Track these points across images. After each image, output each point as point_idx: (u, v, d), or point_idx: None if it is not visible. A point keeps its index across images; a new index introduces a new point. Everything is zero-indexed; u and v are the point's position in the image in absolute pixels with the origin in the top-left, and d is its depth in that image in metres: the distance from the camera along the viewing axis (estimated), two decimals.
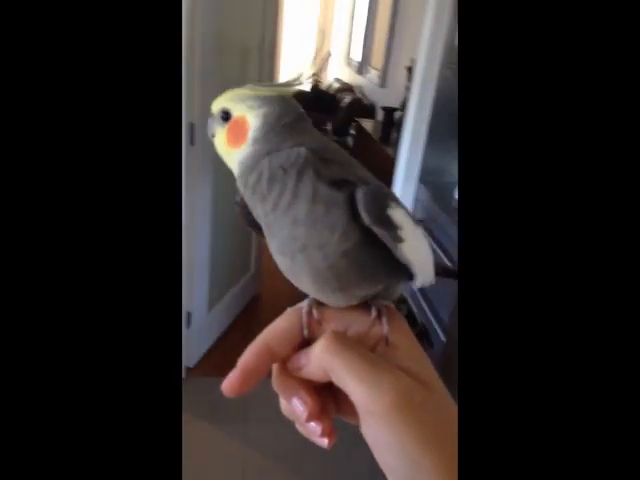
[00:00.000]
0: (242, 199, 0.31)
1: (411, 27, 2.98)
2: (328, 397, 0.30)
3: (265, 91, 0.30)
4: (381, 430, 0.26)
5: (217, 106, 0.31)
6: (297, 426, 0.30)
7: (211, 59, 1.48)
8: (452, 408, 0.27)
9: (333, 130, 3.54)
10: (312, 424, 0.29)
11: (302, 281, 0.31)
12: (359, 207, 0.27)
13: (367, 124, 3.01)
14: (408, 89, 2.62)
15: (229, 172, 0.32)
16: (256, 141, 0.29)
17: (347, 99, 3.70)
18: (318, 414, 0.28)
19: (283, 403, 0.30)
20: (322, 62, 4.60)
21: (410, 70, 2.58)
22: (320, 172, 0.28)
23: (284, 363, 0.30)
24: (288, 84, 0.31)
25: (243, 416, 1.67)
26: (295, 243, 0.29)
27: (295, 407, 0.29)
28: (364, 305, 0.31)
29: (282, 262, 0.31)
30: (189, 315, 1.74)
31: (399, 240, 0.28)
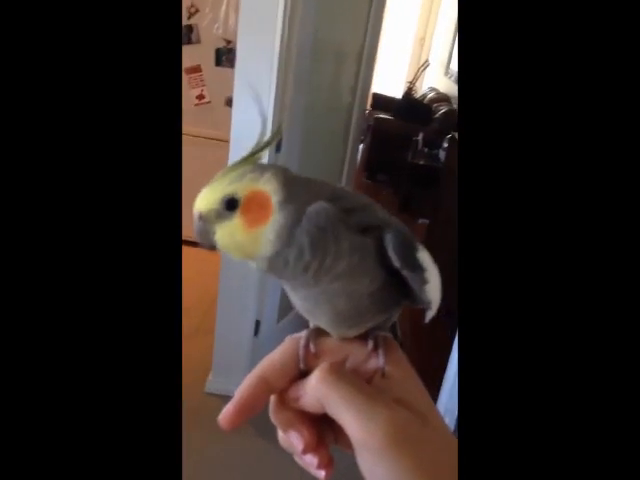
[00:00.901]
0: None
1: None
2: (326, 427, 0.29)
3: (248, 161, 0.28)
4: (376, 463, 0.25)
5: (210, 202, 0.27)
6: (295, 457, 0.30)
7: (306, 64, 1.42)
8: (449, 439, 0.27)
9: (424, 142, 3.37)
10: (309, 456, 0.28)
11: (319, 319, 0.31)
12: (389, 251, 0.28)
13: None
14: None
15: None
16: (283, 204, 0.27)
17: (442, 110, 3.51)
18: (315, 446, 0.28)
19: (280, 435, 0.30)
20: (419, 71, 4.45)
21: None
22: (348, 223, 0.27)
23: (281, 395, 0.29)
24: (262, 146, 0.29)
25: None
26: (325, 295, 0.29)
27: (292, 439, 0.29)
28: (361, 336, 0.31)
29: (300, 303, 0.31)
30: (258, 323, 1.70)
31: (425, 282, 0.29)
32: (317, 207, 0.27)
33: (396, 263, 0.28)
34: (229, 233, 0.27)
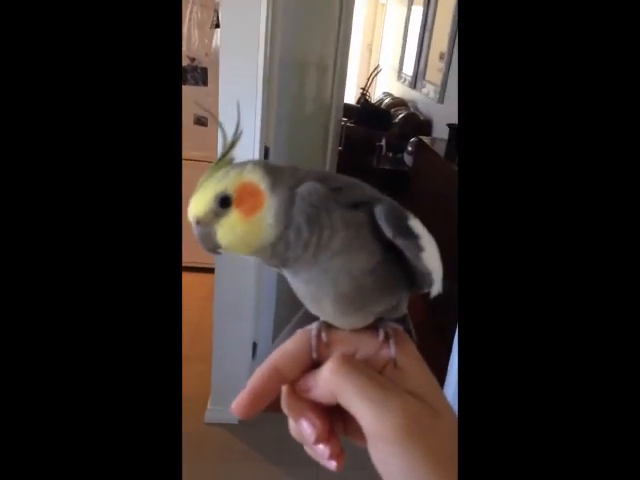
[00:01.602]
0: None
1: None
2: (337, 419, 0.30)
3: (223, 162, 0.29)
4: (389, 453, 0.26)
5: (203, 204, 0.28)
6: (305, 448, 0.30)
7: (288, 77, 1.41)
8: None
9: (387, 146, 3.43)
10: (320, 446, 0.28)
11: (323, 304, 0.30)
12: (380, 222, 0.28)
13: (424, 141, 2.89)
14: None
15: None
16: (272, 188, 0.28)
17: (401, 114, 3.58)
18: (326, 436, 0.28)
19: (292, 425, 0.30)
20: (371, 76, 4.53)
21: None
22: (338, 199, 0.28)
23: (293, 385, 0.30)
24: (230, 145, 0.29)
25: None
26: (327, 274, 0.28)
27: (303, 429, 0.29)
28: (372, 328, 0.31)
29: (304, 289, 0.31)
30: (255, 346, 1.66)
31: (421, 249, 0.29)
32: (308, 187, 0.27)
33: (388, 233, 0.28)
34: (230, 228, 0.28)
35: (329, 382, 0.27)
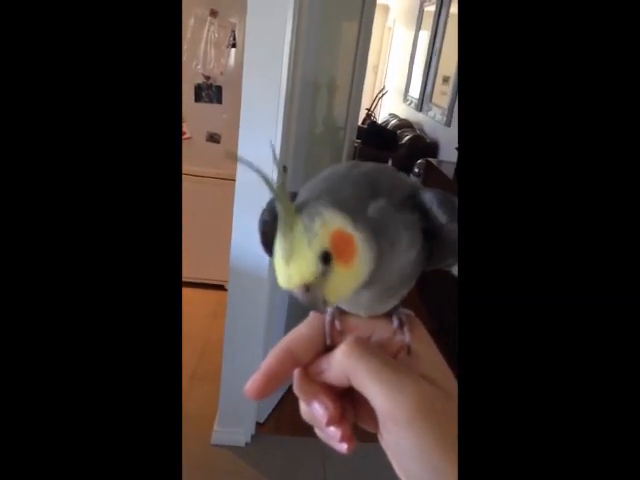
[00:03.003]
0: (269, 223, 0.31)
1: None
2: (347, 403, 0.30)
3: (290, 214, 0.26)
4: (402, 435, 0.26)
5: (308, 269, 0.26)
6: (316, 431, 0.30)
7: (308, 97, 1.41)
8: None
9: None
10: (332, 429, 0.29)
11: (360, 296, 0.29)
12: (434, 209, 0.29)
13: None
14: None
15: None
16: (355, 224, 0.27)
17: (408, 136, 3.61)
18: (338, 419, 0.28)
19: (303, 407, 0.30)
20: (377, 98, 4.58)
21: None
22: (393, 204, 0.28)
23: (306, 368, 0.30)
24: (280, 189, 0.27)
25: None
26: (380, 271, 0.28)
27: (315, 411, 0.29)
28: (386, 315, 0.31)
29: None
30: None
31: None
32: (376, 209, 0.28)
33: (442, 219, 0.29)
34: (339, 283, 0.27)
35: (342, 364, 0.27)
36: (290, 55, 1.24)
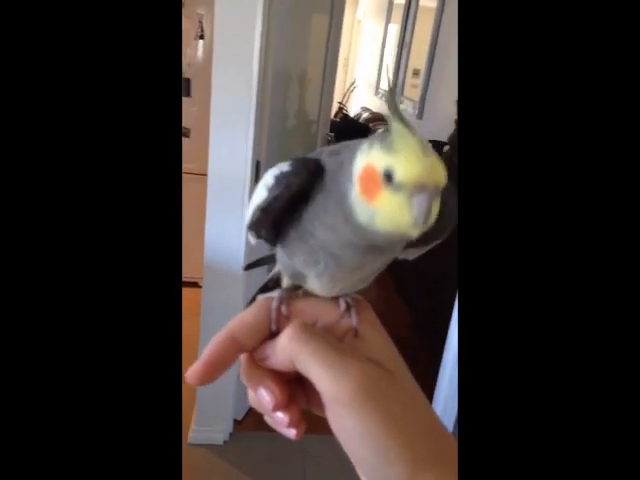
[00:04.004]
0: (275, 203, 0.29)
1: (453, 59, 2.92)
2: (298, 389, 0.30)
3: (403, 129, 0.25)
4: (347, 417, 0.26)
5: (443, 171, 0.24)
6: (265, 418, 0.30)
7: (278, 95, 1.40)
8: (418, 397, 0.28)
9: None
10: (279, 414, 0.28)
11: (338, 277, 0.30)
12: None
13: None
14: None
15: None
16: None
17: (380, 129, 3.63)
18: (285, 404, 0.28)
19: (251, 394, 0.30)
20: (348, 91, 4.57)
21: None
22: None
23: (252, 354, 0.29)
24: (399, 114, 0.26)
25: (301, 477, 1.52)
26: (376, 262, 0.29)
27: (261, 397, 0.28)
28: (333, 299, 0.31)
29: (326, 269, 0.30)
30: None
31: None
32: None
33: None
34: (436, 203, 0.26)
35: (287, 349, 0.27)
36: (261, 47, 1.22)
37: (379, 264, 0.31)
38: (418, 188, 0.24)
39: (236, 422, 1.67)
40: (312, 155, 0.30)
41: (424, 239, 0.32)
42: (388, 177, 0.24)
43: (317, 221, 0.28)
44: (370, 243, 0.27)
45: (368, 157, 0.25)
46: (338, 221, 0.27)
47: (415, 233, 0.25)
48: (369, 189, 0.25)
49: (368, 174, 0.25)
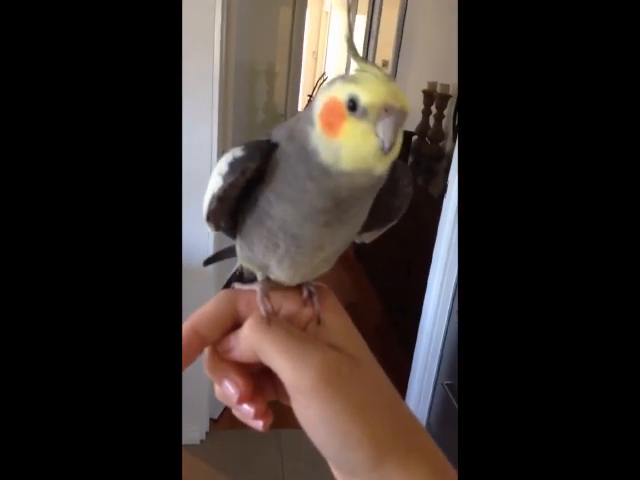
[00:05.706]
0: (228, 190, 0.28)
1: (420, 49, 2.94)
2: (265, 380, 0.30)
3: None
4: (309, 405, 0.26)
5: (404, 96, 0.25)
6: (233, 411, 0.30)
7: (242, 88, 1.38)
8: (382, 381, 0.28)
9: None
10: (245, 406, 0.29)
11: (299, 261, 0.30)
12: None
13: None
14: (426, 114, 2.56)
15: None
16: None
17: None
18: (250, 396, 0.28)
19: (217, 388, 0.30)
20: (318, 84, 4.56)
21: (428, 94, 2.52)
22: None
23: (215, 347, 0.29)
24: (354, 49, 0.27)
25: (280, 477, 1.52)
26: (347, 224, 0.28)
27: (226, 390, 0.29)
28: (296, 287, 0.31)
29: (286, 252, 0.29)
30: None
31: None
32: None
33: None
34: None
35: (249, 340, 0.27)
36: (222, 40, 1.20)
37: (339, 241, 0.30)
38: (384, 110, 0.24)
39: (212, 421, 1.65)
40: (263, 137, 0.29)
41: (378, 222, 0.32)
42: (352, 106, 0.24)
43: (274, 196, 0.27)
44: (334, 199, 0.26)
45: (329, 92, 0.25)
46: (299, 181, 0.26)
47: (380, 166, 0.25)
48: (332, 123, 0.25)
49: (330, 108, 0.25)
